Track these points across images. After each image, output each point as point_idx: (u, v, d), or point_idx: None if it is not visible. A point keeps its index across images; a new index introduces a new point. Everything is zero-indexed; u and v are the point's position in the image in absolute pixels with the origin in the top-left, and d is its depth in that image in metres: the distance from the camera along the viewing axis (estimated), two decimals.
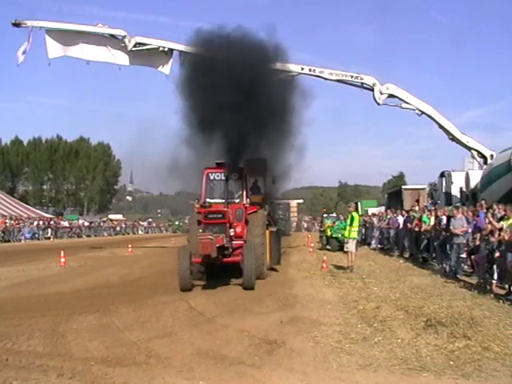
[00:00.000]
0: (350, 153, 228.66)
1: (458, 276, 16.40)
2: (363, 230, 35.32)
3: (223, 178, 17.08)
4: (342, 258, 20.81)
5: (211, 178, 17.55)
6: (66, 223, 59.07)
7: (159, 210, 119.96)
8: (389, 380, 7.02)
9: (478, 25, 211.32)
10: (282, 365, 7.60)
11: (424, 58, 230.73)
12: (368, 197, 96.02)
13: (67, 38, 32.39)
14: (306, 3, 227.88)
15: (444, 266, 18.27)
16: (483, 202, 18.35)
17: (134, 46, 31.47)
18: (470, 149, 31.73)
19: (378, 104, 32.22)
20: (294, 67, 31.81)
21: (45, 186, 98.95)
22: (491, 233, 14.46)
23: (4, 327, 10.10)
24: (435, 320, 9.79)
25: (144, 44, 31.61)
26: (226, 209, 15.77)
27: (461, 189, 29.94)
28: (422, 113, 31.97)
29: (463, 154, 32.80)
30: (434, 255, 20.27)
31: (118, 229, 69.63)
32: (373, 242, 32.08)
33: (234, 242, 15.95)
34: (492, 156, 30.12)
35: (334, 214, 42.14)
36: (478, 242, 15.69)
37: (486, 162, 30.23)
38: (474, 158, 31.64)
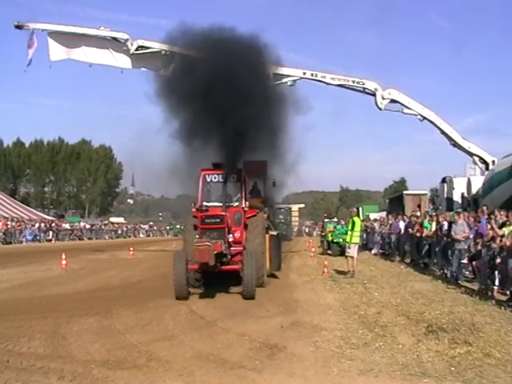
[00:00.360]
0: (351, 157, 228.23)
1: (459, 282, 16.39)
2: (364, 235, 35.33)
3: (221, 179, 16.08)
4: (343, 263, 20.79)
5: (208, 179, 16.55)
6: (67, 225, 59.21)
7: (160, 214, 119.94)
8: None
9: (479, 29, 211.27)
10: (282, 369, 7.59)
11: (425, 63, 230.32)
12: (369, 202, 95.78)
13: (69, 40, 32.51)
14: (306, 7, 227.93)
15: (445, 271, 18.27)
16: (485, 207, 18.34)
17: (136, 49, 31.57)
18: (471, 154, 31.79)
19: (380, 109, 32.30)
20: (295, 72, 31.94)
21: (46, 188, 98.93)
22: (493, 239, 14.45)
23: (5, 329, 10.09)
24: (436, 326, 9.80)
25: (146, 47, 31.71)
26: (224, 213, 14.89)
27: (462, 194, 29.99)
28: (424, 118, 32.05)
29: (465, 159, 32.87)
30: (435, 261, 20.25)
31: (119, 232, 69.73)
32: (374, 248, 32.04)
33: (232, 248, 15.01)
34: (494, 162, 30.18)
35: (335, 219, 42.15)
36: (479, 248, 15.67)
37: (487, 168, 30.29)
38: (475, 163, 31.71)
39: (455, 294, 14.28)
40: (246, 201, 16.62)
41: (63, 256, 22.66)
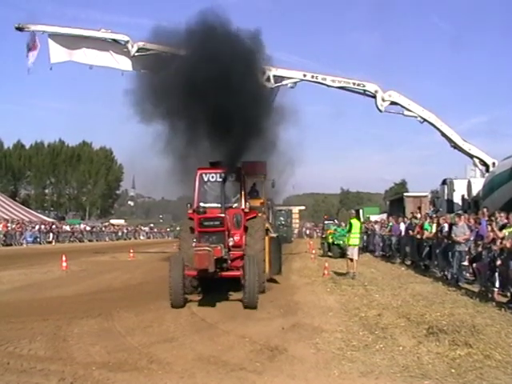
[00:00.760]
0: (352, 159, 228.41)
1: (459, 284, 16.39)
2: (365, 237, 35.35)
3: (219, 179, 15.06)
4: (344, 265, 20.79)
5: (205, 179, 15.59)
6: (67, 227, 59.21)
7: (161, 216, 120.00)
8: None
9: (479, 31, 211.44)
10: (283, 371, 7.59)
11: (425, 65, 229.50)
12: (370, 204, 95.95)
13: (70, 42, 32.53)
14: (306, 9, 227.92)
15: (446, 273, 18.27)
16: (485, 209, 18.34)
17: (137, 52, 31.55)
18: (472, 156, 31.80)
19: (380, 111, 32.30)
20: (296, 74, 31.97)
21: (47, 190, 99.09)
22: (493, 241, 14.45)
23: (6, 331, 10.09)
24: (437, 328, 9.80)
25: (147, 49, 31.69)
26: (223, 214, 13.91)
27: (463, 196, 30.01)
28: (424, 120, 32.05)
29: (465, 161, 32.87)
30: (435, 263, 20.25)
31: (119, 234, 69.70)
32: (377, 250, 32.04)
33: (230, 253, 13.98)
34: (494, 164, 30.19)
35: (335, 221, 42.20)
36: (479, 250, 15.68)
37: (488, 170, 30.30)
38: (475, 165, 31.72)
39: (456, 296, 14.28)
40: (245, 201, 15.66)
41: (64, 258, 22.66)
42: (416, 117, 32.19)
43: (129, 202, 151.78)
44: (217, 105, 13.79)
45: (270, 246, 16.18)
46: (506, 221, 14.73)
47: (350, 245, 19.68)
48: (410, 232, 23.81)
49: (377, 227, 34.00)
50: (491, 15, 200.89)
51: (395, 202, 47.98)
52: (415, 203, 38.80)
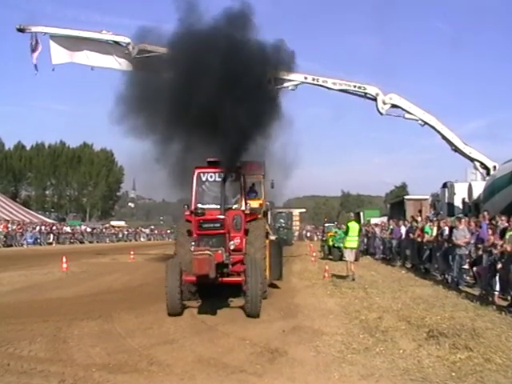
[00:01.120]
0: (352, 162, 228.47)
1: (460, 287, 16.38)
2: (365, 240, 35.35)
3: (218, 178, 14.32)
4: (344, 268, 20.77)
5: (203, 179, 14.75)
6: (68, 229, 59.21)
7: (161, 217, 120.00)
8: None
9: (480, 33, 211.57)
10: (283, 374, 7.59)
11: (426, 68, 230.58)
12: (370, 206, 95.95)
13: (71, 43, 32.58)
14: (307, 11, 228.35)
15: (446, 276, 18.27)
16: (486, 213, 18.33)
17: (138, 53, 31.54)
18: (472, 160, 31.78)
19: (381, 114, 32.31)
20: (297, 76, 31.91)
21: (47, 192, 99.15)
22: (494, 244, 14.45)
23: (6, 332, 10.09)
24: (437, 331, 9.80)
25: (148, 51, 31.67)
26: (223, 216, 13.14)
27: (463, 200, 29.99)
28: (425, 123, 32.05)
29: (466, 164, 32.86)
30: (436, 266, 20.24)
31: (120, 235, 69.73)
32: (377, 252, 32.04)
33: (231, 257, 13.13)
34: (495, 167, 30.17)
35: (334, 223, 42.20)
36: (480, 253, 15.67)
37: (488, 173, 30.28)
38: (476, 168, 31.70)
39: (456, 300, 14.26)
40: (246, 203, 14.85)
41: (64, 259, 22.67)
42: (417, 120, 32.18)
43: (129, 204, 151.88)
44: (220, 100, 13.14)
45: (270, 249, 15.42)
46: (506, 224, 14.74)
47: (347, 247, 19.79)
48: (411, 235, 23.79)
49: (377, 230, 34.00)
50: (491, 18, 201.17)
51: (396, 204, 47.98)
52: (416, 206, 38.81)
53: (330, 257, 30.78)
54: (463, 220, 18.07)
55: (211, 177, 14.68)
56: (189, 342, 9.57)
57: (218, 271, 11.94)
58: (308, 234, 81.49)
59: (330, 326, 10.93)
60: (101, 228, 70.02)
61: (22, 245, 45.31)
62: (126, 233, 73.46)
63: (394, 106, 32.27)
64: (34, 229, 50.84)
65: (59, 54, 32.44)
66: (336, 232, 32.23)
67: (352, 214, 27.07)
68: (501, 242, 13.85)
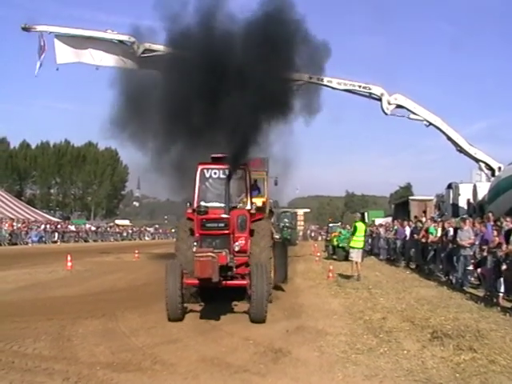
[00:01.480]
0: (357, 162, 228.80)
1: (464, 288, 16.34)
2: (370, 241, 35.30)
3: (222, 175, 13.64)
4: (349, 268, 20.74)
5: (207, 175, 14.02)
6: (72, 227, 59.32)
7: (166, 217, 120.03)
8: None
9: (481, 34, 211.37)
10: (287, 374, 7.59)
11: (429, 69, 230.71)
12: (375, 207, 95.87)
13: (76, 43, 32.57)
14: (310, 11, 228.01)
15: (450, 277, 18.24)
16: (490, 214, 18.29)
17: (143, 53, 31.54)
18: (477, 161, 31.67)
19: (386, 114, 32.21)
20: (301, 76, 31.84)
21: (52, 190, 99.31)
22: (498, 245, 14.42)
23: (10, 330, 10.12)
24: (441, 332, 9.79)
25: (153, 50, 31.67)
26: (228, 216, 12.47)
27: (468, 200, 29.92)
28: (430, 124, 31.94)
29: (471, 165, 32.78)
30: (440, 267, 20.20)
31: (124, 234, 69.79)
32: (381, 253, 31.98)
33: (235, 259, 12.43)
34: (500, 168, 30.07)
35: (339, 224, 42.19)
36: (484, 255, 15.62)
37: (493, 174, 30.18)
38: (481, 169, 31.60)
39: (460, 301, 14.24)
40: (251, 202, 14.18)
41: (69, 258, 22.70)
42: (422, 120, 32.09)
43: (134, 203, 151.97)
44: (234, 90, 12.63)
45: (274, 250, 14.54)
46: (511, 226, 14.71)
47: (353, 247, 19.75)
48: (415, 236, 23.77)
49: (382, 230, 33.98)
50: (494, 19, 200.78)
51: (400, 205, 47.94)
52: (420, 207, 38.76)
53: (335, 257, 30.79)
54: (468, 221, 18.02)
55: (215, 173, 14.03)
56: (192, 341, 9.58)
57: (221, 274, 11.24)
58: (312, 234, 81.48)
59: (333, 326, 10.92)
60: (105, 227, 70.09)
61: (26, 243, 45.41)
62: (130, 232, 73.54)
63: (398, 106, 32.16)
64: (39, 227, 50.95)
65: (64, 54, 32.42)
66: (340, 232, 32.24)
67: (358, 215, 27.01)
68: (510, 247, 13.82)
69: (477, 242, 16.74)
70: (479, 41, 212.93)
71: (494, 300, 13.94)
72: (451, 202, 32.04)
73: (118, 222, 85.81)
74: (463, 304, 13.62)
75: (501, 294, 13.95)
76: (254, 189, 16.77)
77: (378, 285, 17.54)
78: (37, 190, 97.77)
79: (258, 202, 15.85)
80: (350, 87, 32.45)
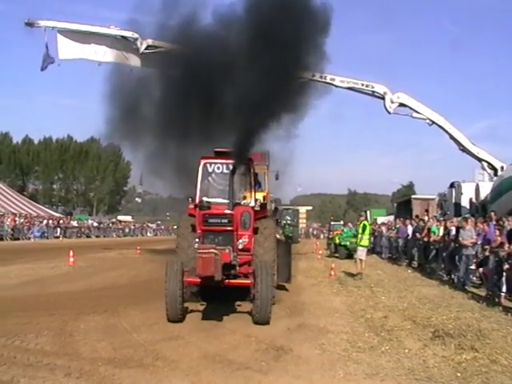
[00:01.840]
0: (359, 160, 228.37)
1: (466, 287, 16.34)
2: (372, 239, 35.29)
3: (226, 170, 13.14)
4: (351, 266, 20.80)
5: (209, 170, 13.51)
6: (75, 223, 59.33)
7: (168, 213, 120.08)
8: None
9: (482, 33, 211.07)
10: (288, 371, 7.61)
11: (431, 68, 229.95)
12: (377, 205, 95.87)
13: (79, 39, 32.62)
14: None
15: (452, 277, 18.23)
16: (493, 213, 18.28)
17: (146, 49, 31.55)
18: (480, 160, 31.68)
19: (389, 113, 32.26)
20: (304, 73, 31.77)
21: (55, 186, 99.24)
22: (500, 245, 14.41)
23: (12, 325, 10.14)
24: (443, 331, 9.79)
25: (156, 47, 31.65)
26: (232, 211, 12.03)
27: (470, 200, 29.87)
28: (433, 123, 31.96)
29: (473, 164, 32.76)
30: (442, 266, 20.19)
31: (126, 230, 69.88)
32: (383, 252, 31.97)
33: (238, 257, 11.88)
34: (502, 168, 30.07)
35: (341, 222, 42.21)
36: (486, 254, 15.62)
37: (496, 174, 30.18)
38: (484, 169, 31.61)
39: (462, 300, 14.25)
40: (256, 198, 13.75)
41: (71, 253, 22.74)
42: (425, 119, 32.11)
43: (136, 199, 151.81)
44: (242, 81, 12.32)
45: (277, 249, 13.80)
46: None
47: (362, 245, 19.73)
48: (417, 235, 23.77)
49: (384, 229, 33.96)
50: (496, 19, 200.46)
51: (402, 204, 47.83)
52: (423, 206, 38.68)
53: (337, 255, 30.83)
54: (470, 220, 18.02)
55: (218, 168, 13.52)
56: (194, 338, 9.59)
57: (224, 273, 10.81)
58: (314, 232, 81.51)
59: (335, 324, 10.94)
60: (108, 223, 70.21)
61: (29, 238, 45.46)
62: (132, 228, 73.66)
63: (401, 104, 32.20)
64: (42, 222, 50.96)
65: (66, 49, 32.50)
66: (343, 230, 32.30)
67: (363, 213, 26.93)
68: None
69: (479, 242, 16.75)
70: (480, 40, 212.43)
71: (496, 300, 13.94)
72: (453, 201, 31.98)
73: (120, 217, 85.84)
74: (465, 303, 13.63)
75: (503, 294, 13.94)
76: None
77: (380, 283, 17.56)
78: (39, 185, 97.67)
79: (259, 196, 15.27)
80: (353, 85, 32.47)
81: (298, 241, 48.82)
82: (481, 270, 15.91)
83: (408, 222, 27.75)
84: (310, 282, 18.28)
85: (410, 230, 26.16)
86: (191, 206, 13.02)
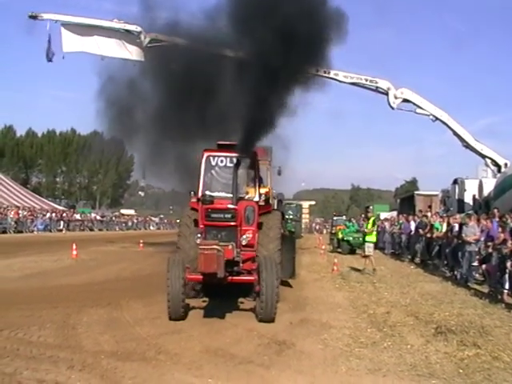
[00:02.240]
0: (362, 156, 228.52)
1: (469, 284, 16.32)
2: None
3: (229, 164, 12.77)
4: (353, 261, 20.81)
5: (213, 163, 13.16)
6: (78, 216, 59.38)
7: (171, 207, 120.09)
8: None
9: (484, 30, 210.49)
10: (290, 366, 7.61)
11: (435, 65, 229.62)
12: (380, 201, 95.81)
13: (83, 32, 32.56)
14: None
15: (455, 273, 18.20)
16: (496, 210, 18.24)
17: (150, 43, 31.48)
18: (483, 156, 31.56)
19: (392, 108, 32.11)
20: (309, 68, 31.65)
21: (58, 179, 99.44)
22: (504, 242, 14.39)
23: (16, 317, 10.18)
24: (445, 327, 9.79)
25: (159, 40, 31.58)
26: (236, 206, 11.67)
27: (474, 196, 29.82)
28: (436, 119, 31.81)
29: (477, 161, 32.66)
30: (445, 262, 20.17)
31: (129, 224, 69.93)
32: (386, 247, 31.96)
33: (242, 253, 11.56)
34: (506, 164, 30.00)
35: (344, 217, 42.20)
36: (490, 251, 15.60)
37: (499, 171, 30.08)
38: (487, 165, 31.47)
39: (465, 296, 14.24)
40: (260, 193, 13.38)
41: (74, 246, 22.80)
42: (428, 115, 31.96)
43: (139, 193, 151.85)
44: (252, 76, 11.85)
45: (282, 245, 13.35)
46: None
47: (371, 242, 19.73)
48: (420, 231, 23.75)
49: (387, 225, 33.92)
50: (498, 15, 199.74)
51: (406, 200, 47.85)
52: (426, 202, 38.69)
53: (339, 250, 30.83)
54: (473, 217, 17.99)
55: (222, 161, 13.18)
56: (197, 332, 9.61)
57: (227, 269, 10.49)
58: (317, 227, 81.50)
59: (337, 319, 10.94)
60: (111, 216, 70.23)
61: (32, 231, 45.53)
62: (135, 221, 73.70)
63: (405, 100, 32.05)
64: (45, 215, 51.02)
65: (70, 42, 32.43)
66: (346, 225, 32.30)
67: (371, 208, 26.88)
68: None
69: (482, 238, 16.72)
70: (484, 36, 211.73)
71: (499, 296, 13.90)
72: (457, 197, 31.93)
73: (123, 211, 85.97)
74: (467, 300, 13.61)
75: (505, 291, 13.90)
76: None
77: (383, 279, 17.55)
78: (43, 178, 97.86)
79: (262, 191, 14.43)
80: (357, 81, 32.32)
81: (300, 236, 48.85)
82: (484, 266, 15.88)
83: (411, 217, 27.71)
84: (312, 277, 18.28)
85: (412, 225, 26.14)
86: (194, 200, 12.70)
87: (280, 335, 9.37)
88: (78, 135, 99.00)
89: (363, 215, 27.43)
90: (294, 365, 7.69)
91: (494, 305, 12.75)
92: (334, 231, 36.07)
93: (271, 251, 12.28)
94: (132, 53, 32.34)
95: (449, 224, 19.89)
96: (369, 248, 19.61)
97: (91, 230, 57.72)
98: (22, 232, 43.83)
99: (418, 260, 24.55)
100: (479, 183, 29.41)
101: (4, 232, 41.64)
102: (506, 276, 13.95)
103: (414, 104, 32.02)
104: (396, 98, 31.78)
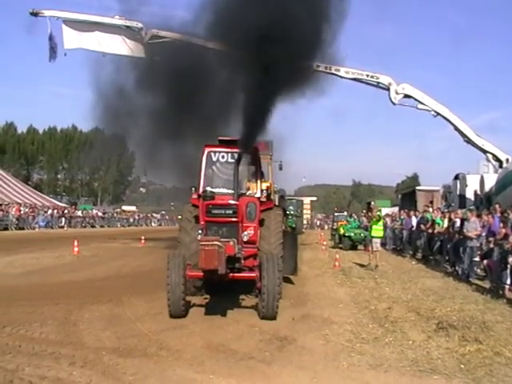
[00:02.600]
0: (363, 152, 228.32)
1: (470, 279, 16.33)
2: None
3: (231, 159, 12.60)
4: (355, 257, 20.81)
5: (214, 159, 12.97)
6: (79, 213, 59.40)
7: (172, 203, 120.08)
8: (399, 381, 7.02)
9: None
10: (292, 362, 7.62)
11: (438, 60, 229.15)
12: (381, 196, 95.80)
13: (84, 29, 32.57)
14: None
15: (457, 268, 18.21)
16: (497, 205, 18.22)
17: (151, 39, 31.46)
18: (485, 152, 31.52)
19: (394, 104, 32.10)
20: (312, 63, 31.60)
21: (59, 176, 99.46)
22: (505, 237, 14.38)
23: (17, 314, 10.19)
24: (447, 323, 9.79)
25: (161, 37, 31.56)
26: (237, 202, 11.55)
27: (475, 192, 29.81)
28: (438, 114, 31.79)
29: (478, 156, 32.62)
30: (446, 258, 20.18)
31: (131, 220, 69.91)
32: (387, 243, 31.95)
33: (243, 250, 11.43)
34: (507, 160, 29.99)
35: (345, 213, 42.21)
36: (491, 246, 15.59)
37: (501, 166, 30.06)
38: (489, 161, 31.45)
39: (466, 292, 14.24)
40: (261, 189, 13.20)
41: (75, 243, 22.81)
42: (429, 110, 31.93)
43: (140, 189, 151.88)
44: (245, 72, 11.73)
45: (284, 241, 13.10)
46: None
47: (379, 237, 19.80)
48: (422, 226, 23.75)
49: (388, 220, 33.88)
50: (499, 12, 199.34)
51: (407, 195, 47.77)
52: (427, 197, 38.63)
53: (341, 246, 30.84)
54: (474, 212, 17.99)
55: (223, 157, 12.95)
56: (198, 328, 9.62)
57: (228, 266, 10.35)
58: (318, 223, 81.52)
59: (339, 315, 10.95)
60: (112, 212, 70.26)
61: (33, 228, 45.53)
62: (136, 218, 73.67)
63: (406, 96, 32.03)
64: (46, 212, 51.01)
65: (71, 39, 32.47)
66: (347, 221, 32.32)
67: (373, 204, 26.86)
68: None
69: (483, 234, 16.71)
70: (487, 31, 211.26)
71: (500, 292, 13.92)
72: (458, 192, 31.94)
73: (124, 207, 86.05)
74: (469, 295, 13.62)
75: (507, 286, 13.92)
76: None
77: (384, 275, 17.55)
78: (44, 175, 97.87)
79: (262, 186, 14.09)
80: (358, 76, 32.30)
81: (302, 231, 48.86)
82: (485, 262, 15.87)
83: (412, 213, 27.69)
84: (314, 272, 18.29)
85: (414, 221, 26.14)
86: (194, 196, 12.53)
87: (281, 331, 9.38)
88: (79, 132, 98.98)
89: (365, 211, 27.47)
90: (295, 360, 7.70)
91: (495, 300, 12.75)
92: (335, 227, 36.10)
93: (273, 247, 12.15)
94: (133, 49, 32.37)
95: (450, 219, 19.89)
96: (376, 244, 19.66)
97: (93, 226, 57.72)
98: (23, 229, 43.84)
99: (419, 255, 24.57)
100: (481, 178, 29.38)
101: (6, 229, 41.61)
102: (508, 271, 13.99)
103: (415, 99, 32.00)
104: (397, 93, 31.77)
